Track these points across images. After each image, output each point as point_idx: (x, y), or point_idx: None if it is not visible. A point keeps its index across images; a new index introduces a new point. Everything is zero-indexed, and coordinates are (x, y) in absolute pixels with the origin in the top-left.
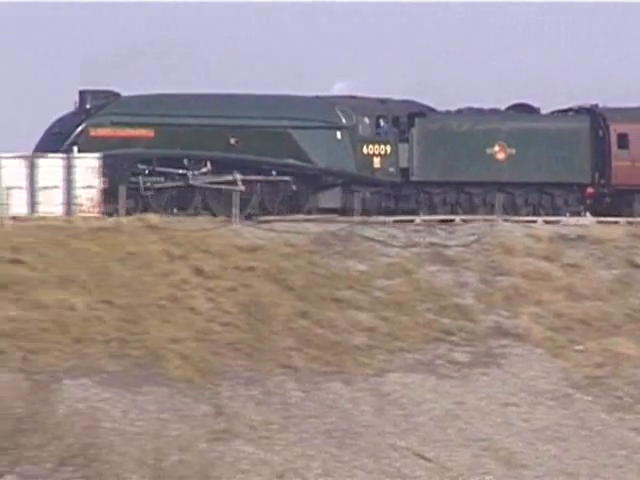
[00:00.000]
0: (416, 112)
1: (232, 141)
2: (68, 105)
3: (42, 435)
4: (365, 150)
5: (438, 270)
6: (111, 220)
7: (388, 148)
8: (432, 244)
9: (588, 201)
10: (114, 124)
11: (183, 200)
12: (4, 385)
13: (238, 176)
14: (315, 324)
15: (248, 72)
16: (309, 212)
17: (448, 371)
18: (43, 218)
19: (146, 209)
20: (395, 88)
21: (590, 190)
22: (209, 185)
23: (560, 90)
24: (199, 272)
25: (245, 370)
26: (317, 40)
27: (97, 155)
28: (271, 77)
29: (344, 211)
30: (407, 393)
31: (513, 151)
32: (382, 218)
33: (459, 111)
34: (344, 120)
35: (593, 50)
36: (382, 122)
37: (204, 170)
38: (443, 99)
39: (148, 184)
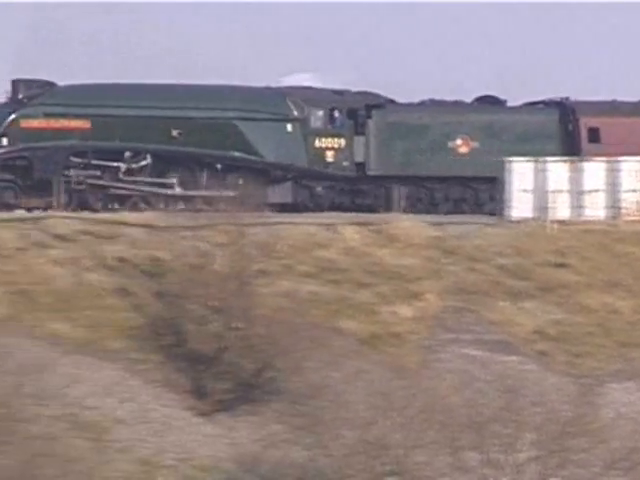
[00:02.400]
0: (373, 104)
1: (174, 133)
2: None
3: (588, 438)
4: (317, 143)
5: None
6: None
7: (342, 141)
8: None
9: None
10: (47, 115)
11: (119, 195)
12: (550, 388)
13: (182, 171)
14: None
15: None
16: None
17: None
18: (588, 222)
19: (81, 204)
20: (356, 81)
21: None
22: (149, 179)
23: (535, 84)
24: None
25: None
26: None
27: None
28: (222, 70)
29: (295, 206)
30: None
31: (476, 144)
32: None
33: (420, 103)
34: (295, 112)
35: (569, 44)
36: (336, 114)
37: (143, 163)
38: (409, 93)
39: (84, 178)
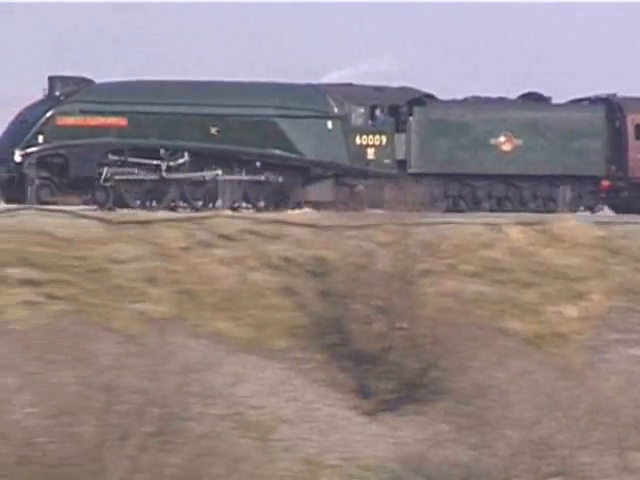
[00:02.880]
0: (415, 100)
1: (212, 131)
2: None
3: None
4: (358, 141)
5: None
6: None
7: (384, 138)
8: None
9: (604, 195)
10: (83, 112)
11: (157, 192)
12: None
13: (220, 169)
14: None
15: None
16: (298, 205)
17: None
18: None
19: (117, 202)
20: (395, 76)
21: (606, 183)
22: (187, 177)
23: (582, 81)
24: None
25: None
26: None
27: None
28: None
29: (336, 204)
30: None
31: (520, 142)
32: None
33: (463, 100)
34: (336, 109)
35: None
36: (377, 111)
37: (181, 161)
38: (451, 89)
39: (119, 176)
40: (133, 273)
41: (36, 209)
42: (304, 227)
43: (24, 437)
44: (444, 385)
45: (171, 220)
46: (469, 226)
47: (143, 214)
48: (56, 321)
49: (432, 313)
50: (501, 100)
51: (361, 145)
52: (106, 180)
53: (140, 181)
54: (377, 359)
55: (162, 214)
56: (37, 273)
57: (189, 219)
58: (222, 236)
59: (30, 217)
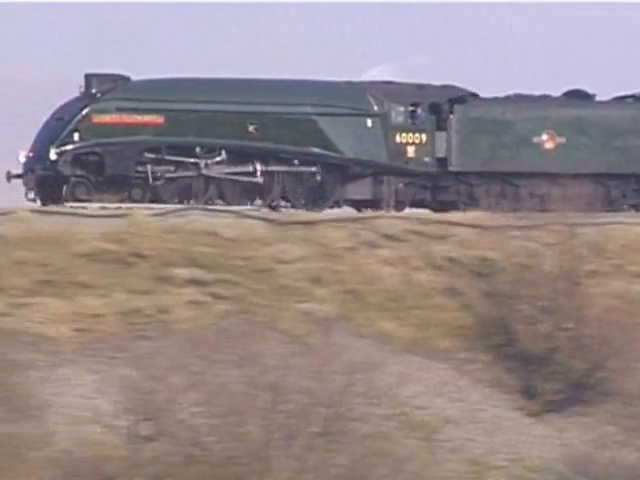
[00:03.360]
0: (456, 98)
1: (250, 128)
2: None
3: None
4: (398, 139)
5: None
6: None
7: (424, 136)
8: None
9: None
10: (120, 110)
11: (195, 190)
12: None
13: (259, 166)
14: None
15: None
16: (336, 203)
17: None
18: None
19: (154, 200)
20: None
21: None
22: (225, 175)
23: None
24: None
25: None
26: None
27: None
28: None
29: (374, 202)
30: None
31: (563, 140)
32: None
33: (505, 97)
34: (375, 107)
35: None
36: (418, 109)
37: (218, 159)
38: (493, 87)
39: (158, 174)
40: (298, 273)
41: (203, 209)
42: (469, 227)
43: (191, 436)
44: (611, 386)
45: (336, 220)
46: (636, 227)
47: (307, 214)
48: (222, 321)
49: (598, 314)
50: (544, 98)
51: (401, 143)
52: (155, 179)
53: (177, 179)
54: (543, 360)
55: (327, 214)
56: (203, 273)
57: (354, 219)
58: (386, 236)
59: (198, 217)
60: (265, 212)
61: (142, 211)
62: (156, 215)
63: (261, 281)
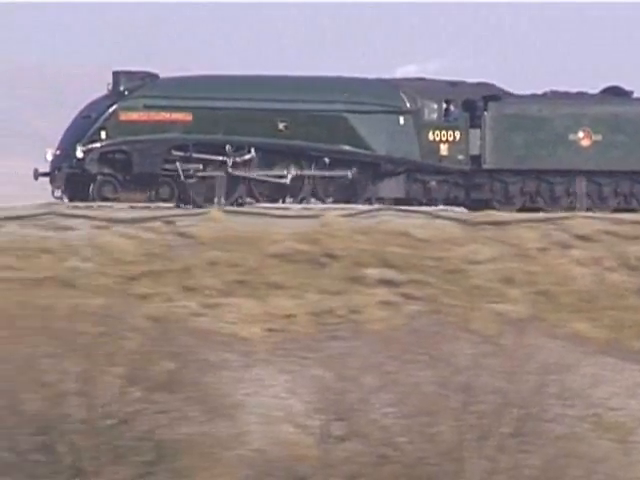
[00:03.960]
0: (490, 95)
1: (280, 126)
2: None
3: None
4: (431, 136)
5: None
6: None
7: (457, 134)
8: None
9: None
10: (147, 107)
11: (224, 188)
12: None
13: (289, 165)
14: None
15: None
16: (368, 202)
17: None
18: None
19: (183, 199)
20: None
21: None
22: (255, 173)
23: None
24: None
25: None
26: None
27: None
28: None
29: (408, 201)
30: None
31: (599, 137)
32: None
33: (541, 95)
34: (408, 104)
35: None
36: (451, 106)
37: (248, 157)
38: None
39: (187, 171)
40: (490, 274)
41: (395, 210)
42: None
43: (383, 436)
44: None
45: (528, 221)
46: None
47: (499, 215)
48: (413, 321)
49: None
50: (580, 95)
51: (434, 141)
52: (188, 177)
53: (206, 177)
54: None
55: (519, 215)
56: (395, 273)
57: (546, 220)
58: (579, 236)
59: (389, 218)
60: (457, 213)
61: (333, 212)
62: (347, 216)
63: (453, 282)
